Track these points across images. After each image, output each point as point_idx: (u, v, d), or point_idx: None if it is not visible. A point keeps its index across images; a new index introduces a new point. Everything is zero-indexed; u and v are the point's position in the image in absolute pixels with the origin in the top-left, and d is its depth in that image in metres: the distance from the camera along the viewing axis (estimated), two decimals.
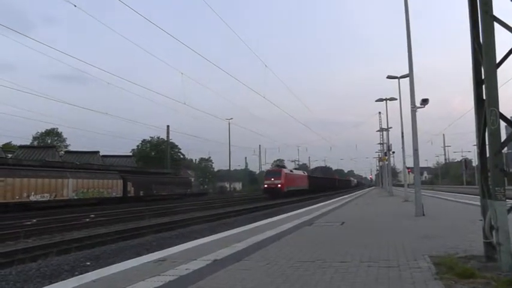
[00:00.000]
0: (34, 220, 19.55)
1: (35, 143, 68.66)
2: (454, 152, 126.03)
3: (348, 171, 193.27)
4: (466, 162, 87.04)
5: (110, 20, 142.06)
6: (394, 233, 9.70)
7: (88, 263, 11.68)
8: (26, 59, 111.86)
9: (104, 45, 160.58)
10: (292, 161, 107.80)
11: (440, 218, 13.50)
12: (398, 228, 10.68)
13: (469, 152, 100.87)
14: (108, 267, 6.86)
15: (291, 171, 65.78)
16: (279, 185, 54.74)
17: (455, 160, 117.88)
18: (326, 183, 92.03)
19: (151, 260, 6.96)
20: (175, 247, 8.65)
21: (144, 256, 7.76)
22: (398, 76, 28.11)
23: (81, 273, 9.32)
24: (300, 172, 73.27)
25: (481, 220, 5.91)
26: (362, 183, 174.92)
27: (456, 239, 8.16)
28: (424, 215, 14.00)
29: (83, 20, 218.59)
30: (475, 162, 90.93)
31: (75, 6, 21.19)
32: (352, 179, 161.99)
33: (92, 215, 24.25)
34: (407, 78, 16.21)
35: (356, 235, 9.54)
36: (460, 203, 21.37)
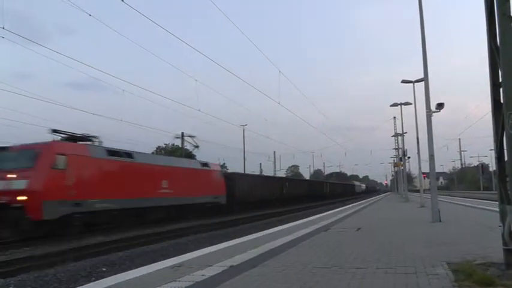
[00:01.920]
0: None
1: None
2: (471, 157, 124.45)
3: (363, 176, 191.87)
4: (483, 167, 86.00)
5: (124, 28, 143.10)
6: (410, 239, 9.61)
7: (104, 269, 11.75)
8: (43, 68, 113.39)
9: (119, 52, 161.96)
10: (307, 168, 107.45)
11: (458, 224, 13.35)
12: (415, 234, 10.58)
13: (485, 156, 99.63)
14: (124, 273, 6.90)
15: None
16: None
17: (472, 165, 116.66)
18: (270, 189, 47.56)
19: (167, 266, 6.97)
20: (191, 253, 8.66)
21: (160, 262, 7.76)
22: (413, 80, 27.98)
23: (98, 279, 9.37)
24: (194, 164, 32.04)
25: (500, 226, 5.82)
26: (376, 189, 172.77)
27: (474, 245, 8.06)
28: (440, 221, 13.84)
29: (98, 28, 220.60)
30: (492, 167, 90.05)
31: (90, 15, 21.46)
32: (357, 183, 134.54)
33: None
34: (422, 82, 16.12)
35: (372, 241, 9.46)
36: (478, 209, 21.12)
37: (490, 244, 7.79)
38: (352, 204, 36.12)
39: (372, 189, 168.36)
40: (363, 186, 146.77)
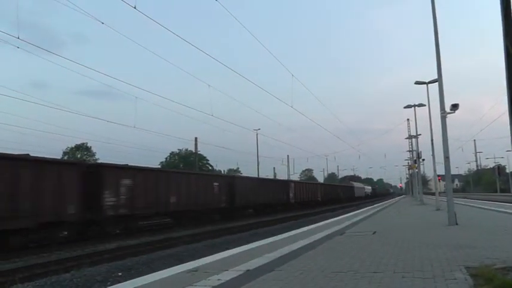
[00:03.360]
0: (65, 232, 19.90)
1: (65, 158, 70.15)
2: (486, 159, 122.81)
3: (378, 179, 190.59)
4: (499, 168, 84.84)
5: (137, 35, 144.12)
6: (427, 242, 9.51)
7: (120, 274, 11.85)
8: (57, 76, 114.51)
9: (132, 60, 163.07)
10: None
11: (475, 227, 13.20)
12: (431, 238, 10.47)
13: (501, 158, 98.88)
14: (140, 277, 6.93)
15: None
16: None
17: (488, 167, 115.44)
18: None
19: (183, 271, 6.97)
20: (207, 257, 8.67)
21: (176, 266, 7.78)
22: (427, 81, 27.82)
23: (114, 284, 9.42)
24: None
25: None
26: (390, 192, 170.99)
27: (492, 249, 7.95)
28: (457, 224, 13.69)
29: (111, 36, 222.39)
30: (509, 168, 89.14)
31: (102, 23, 21.81)
32: (357, 185, 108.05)
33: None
34: (436, 83, 16.00)
35: (388, 245, 9.39)
36: (495, 211, 20.89)
37: (509, 248, 7.70)
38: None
39: (384, 192, 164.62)
40: (368, 188, 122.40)
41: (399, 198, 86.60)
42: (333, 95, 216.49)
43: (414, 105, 37.60)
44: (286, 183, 54.37)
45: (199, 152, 72.15)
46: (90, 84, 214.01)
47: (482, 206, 27.21)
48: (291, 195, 51.55)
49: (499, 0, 6.11)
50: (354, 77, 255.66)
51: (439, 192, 30.98)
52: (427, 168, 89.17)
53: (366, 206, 42.41)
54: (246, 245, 10.89)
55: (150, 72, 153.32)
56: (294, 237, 11.83)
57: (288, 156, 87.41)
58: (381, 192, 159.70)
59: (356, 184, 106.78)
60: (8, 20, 79.43)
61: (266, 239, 12.19)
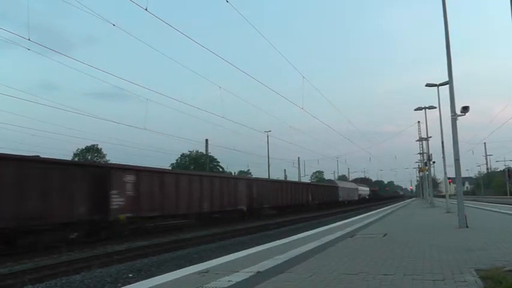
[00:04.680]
0: (75, 234, 20.05)
1: (76, 159, 70.62)
2: (497, 161, 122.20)
3: (388, 182, 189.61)
4: (509, 171, 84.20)
5: (147, 37, 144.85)
6: (437, 245, 9.51)
7: (130, 275, 11.90)
8: (68, 78, 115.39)
9: (142, 61, 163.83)
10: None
11: (485, 230, 13.15)
12: (442, 240, 10.46)
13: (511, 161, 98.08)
14: (150, 279, 6.96)
15: None
16: None
17: (498, 169, 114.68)
18: None
19: (193, 272, 7.02)
20: (217, 259, 8.72)
21: (186, 268, 7.83)
22: (438, 84, 27.71)
23: (124, 285, 9.50)
24: None
25: None
26: (399, 195, 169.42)
27: (503, 251, 7.95)
28: (467, 226, 13.66)
29: (122, 37, 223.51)
30: None
31: (113, 25, 21.90)
32: (345, 184, 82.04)
33: None
34: (447, 85, 15.95)
35: (399, 247, 9.40)
36: (505, 214, 20.77)
37: None
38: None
39: (393, 194, 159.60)
40: (363, 190, 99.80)
41: (410, 200, 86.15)
42: (344, 97, 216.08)
43: (425, 108, 37.46)
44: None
45: (210, 154, 72.47)
46: (100, 85, 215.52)
47: (493, 209, 27.05)
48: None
49: (509, 3, 6.14)
50: (365, 78, 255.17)
51: (450, 195, 30.85)
52: (437, 171, 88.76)
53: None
54: (257, 247, 10.92)
55: (160, 73, 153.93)
56: (304, 240, 11.85)
57: (298, 158, 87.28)
58: (385, 195, 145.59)
59: (342, 184, 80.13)
60: (19, 22, 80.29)
61: (277, 241, 12.22)
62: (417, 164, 74.86)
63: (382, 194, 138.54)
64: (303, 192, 52.23)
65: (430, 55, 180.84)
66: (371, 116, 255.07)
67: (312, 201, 54.29)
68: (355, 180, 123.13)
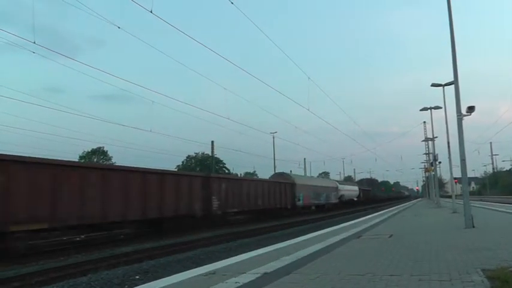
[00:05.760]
0: (82, 236, 20.14)
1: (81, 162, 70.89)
2: (503, 161, 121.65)
3: (394, 182, 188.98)
4: None
5: (153, 39, 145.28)
6: (444, 245, 9.51)
7: (137, 277, 11.91)
8: (73, 81, 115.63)
9: (148, 64, 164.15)
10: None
11: (491, 230, 13.13)
12: (448, 241, 10.46)
13: None
14: (157, 280, 7.00)
15: None
16: None
17: (504, 169, 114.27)
18: None
19: (201, 273, 7.05)
20: (224, 260, 8.75)
21: (193, 269, 7.86)
22: (443, 84, 27.66)
23: (131, 287, 9.56)
24: None
25: None
26: (405, 195, 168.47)
27: (509, 251, 7.93)
28: (474, 226, 13.63)
29: (127, 40, 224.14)
30: None
31: (119, 27, 21.97)
32: (313, 182, 55.05)
33: None
34: (452, 85, 15.93)
35: (405, 248, 9.41)
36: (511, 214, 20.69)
37: None
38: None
39: (397, 195, 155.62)
40: (350, 189, 74.32)
41: (416, 201, 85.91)
42: (349, 98, 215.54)
43: (430, 108, 37.39)
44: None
45: (215, 155, 72.54)
46: (106, 88, 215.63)
47: (499, 209, 26.96)
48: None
49: None
50: (370, 79, 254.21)
51: (456, 195, 30.77)
52: (443, 171, 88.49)
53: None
54: (264, 248, 10.96)
55: (166, 75, 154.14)
56: (311, 241, 11.86)
57: (304, 159, 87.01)
58: (384, 196, 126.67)
59: (304, 180, 51.03)
60: (24, 25, 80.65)
61: (282, 242, 12.25)
62: (423, 164, 74.78)
63: (379, 195, 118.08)
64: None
65: (436, 55, 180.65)
66: (377, 116, 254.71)
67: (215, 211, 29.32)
68: (361, 181, 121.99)
